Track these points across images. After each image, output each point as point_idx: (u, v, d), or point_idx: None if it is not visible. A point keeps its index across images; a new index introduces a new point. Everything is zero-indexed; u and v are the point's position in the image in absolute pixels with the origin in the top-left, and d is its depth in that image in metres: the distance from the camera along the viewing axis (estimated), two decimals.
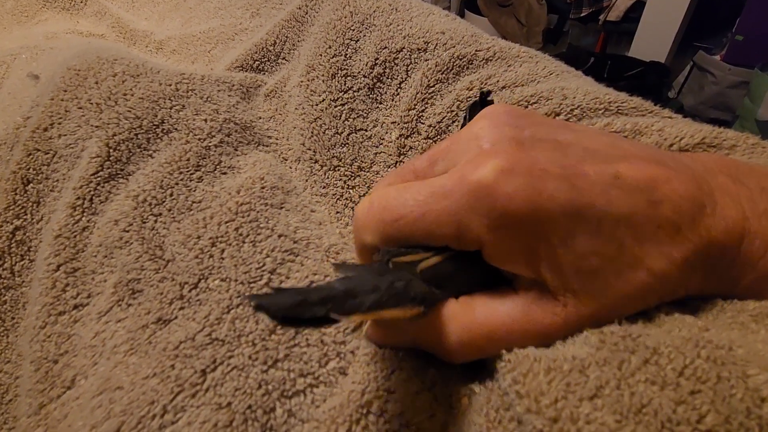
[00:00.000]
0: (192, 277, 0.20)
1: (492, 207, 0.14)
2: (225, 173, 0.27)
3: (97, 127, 0.27)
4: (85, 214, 0.24)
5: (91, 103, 0.28)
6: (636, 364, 0.13)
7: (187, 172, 0.25)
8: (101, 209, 0.24)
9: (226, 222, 0.22)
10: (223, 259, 0.21)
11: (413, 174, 0.18)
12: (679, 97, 1.44)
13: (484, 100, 0.24)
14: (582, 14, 1.56)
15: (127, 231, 0.22)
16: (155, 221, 0.23)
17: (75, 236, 0.23)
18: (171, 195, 0.24)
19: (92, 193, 0.24)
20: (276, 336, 0.18)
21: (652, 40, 1.36)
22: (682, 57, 1.42)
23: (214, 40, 0.49)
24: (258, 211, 0.24)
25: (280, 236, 0.23)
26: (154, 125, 0.28)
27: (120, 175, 0.25)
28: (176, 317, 0.19)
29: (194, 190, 0.24)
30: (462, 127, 0.27)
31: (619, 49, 1.50)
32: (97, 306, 0.20)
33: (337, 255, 0.25)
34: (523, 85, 0.31)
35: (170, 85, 0.31)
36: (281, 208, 0.26)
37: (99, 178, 0.25)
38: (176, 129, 0.28)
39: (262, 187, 0.26)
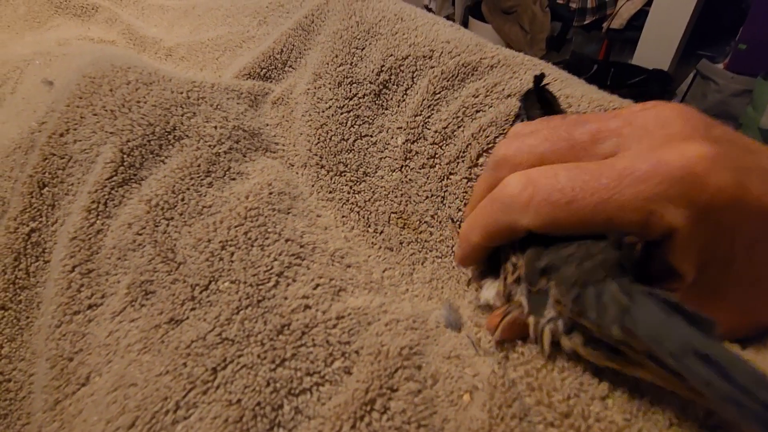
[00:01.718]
0: (203, 279, 0.21)
1: (698, 197, 0.13)
2: (234, 179, 0.27)
3: (111, 133, 0.28)
4: (99, 217, 0.25)
5: (106, 110, 0.29)
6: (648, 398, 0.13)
7: (198, 177, 0.26)
8: (115, 213, 0.25)
9: (236, 226, 0.23)
10: (232, 262, 0.21)
11: (568, 145, 0.17)
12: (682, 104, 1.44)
13: (539, 87, 0.24)
14: (585, 22, 1.57)
15: (140, 234, 0.23)
16: (167, 225, 0.23)
17: (90, 239, 0.24)
18: (182, 200, 0.25)
19: (106, 197, 0.25)
20: (283, 336, 0.19)
21: (656, 48, 1.37)
22: (685, 65, 1.42)
23: (222, 47, 0.50)
24: (266, 216, 0.24)
25: (287, 240, 0.24)
26: (166, 132, 0.29)
27: (133, 180, 0.26)
28: (188, 317, 0.19)
29: (205, 195, 0.25)
30: (518, 118, 0.28)
31: (623, 56, 1.50)
32: (111, 306, 0.21)
33: (342, 259, 0.26)
34: None
35: (182, 93, 0.32)
36: (288, 213, 0.26)
37: (113, 183, 0.26)
38: (187, 136, 0.29)
39: (270, 193, 0.27)
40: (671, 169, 0.14)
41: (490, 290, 0.20)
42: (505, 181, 0.17)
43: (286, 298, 0.20)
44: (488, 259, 0.21)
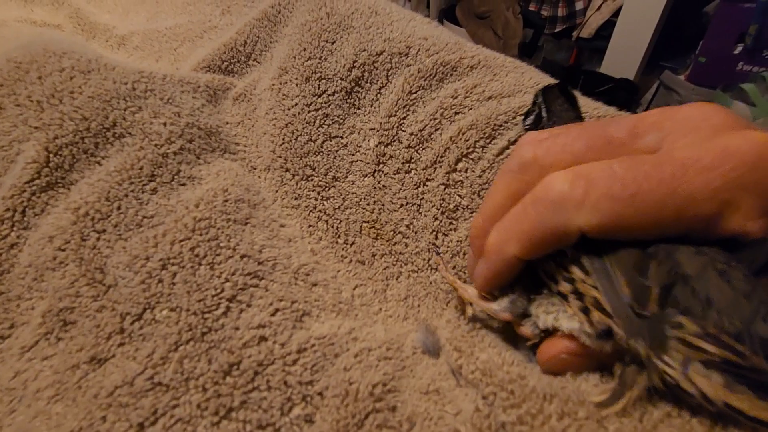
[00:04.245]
0: (136, 307, 0.17)
1: None
2: (184, 184, 0.24)
3: (36, 128, 0.24)
4: (14, 228, 0.21)
5: (32, 101, 0.25)
6: (658, 416, 0.11)
7: (140, 182, 0.22)
8: (35, 223, 0.21)
9: (181, 240, 0.20)
10: (174, 284, 0.18)
11: (604, 141, 0.15)
12: None
13: (563, 86, 0.23)
14: (556, 30, 1.60)
15: (63, 249, 0.19)
16: (97, 239, 0.20)
17: (0, 254, 0.20)
18: (118, 208, 0.21)
19: (25, 204, 0.21)
20: (231, 378, 0.15)
21: (622, 58, 1.41)
22: (649, 75, 1.47)
23: (180, 37, 0.45)
24: (218, 228, 0.21)
25: (242, 257, 0.20)
26: (105, 128, 0.25)
27: (60, 184, 0.22)
28: (114, 355, 0.16)
29: (146, 204, 0.22)
30: (530, 114, 0.26)
31: (591, 64, 1.54)
32: (21, 339, 0.17)
33: (307, 276, 0.23)
34: (510, 96, 0.30)
35: (126, 83, 0.28)
36: (246, 224, 0.23)
37: (35, 187, 0.22)
38: (130, 133, 0.25)
39: (225, 201, 0.23)
40: (743, 155, 0.13)
41: (542, 314, 0.17)
42: (546, 181, 0.15)
43: (237, 329, 0.17)
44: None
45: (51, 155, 0.23)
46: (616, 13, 1.39)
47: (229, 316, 0.18)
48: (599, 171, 0.14)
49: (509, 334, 0.20)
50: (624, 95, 1.42)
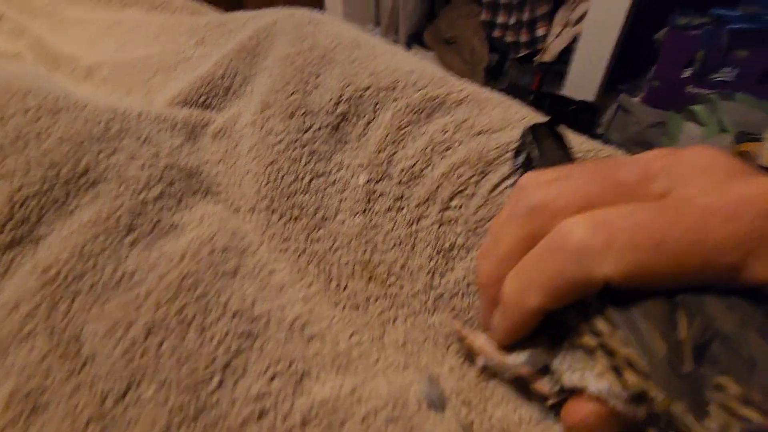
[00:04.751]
0: (118, 383, 0.15)
1: None
2: (166, 234, 0.22)
3: None
4: None
5: None
6: None
7: (118, 234, 0.21)
8: None
9: (167, 302, 0.18)
10: (161, 355, 0.16)
11: (615, 184, 0.15)
12: (607, 133, 1.57)
13: (551, 125, 0.23)
14: (520, 55, 1.67)
15: (32, 318, 0.17)
16: (71, 303, 0.18)
17: None
18: (94, 266, 0.19)
19: None
20: None
21: (582, 81, 1.49)
22: (608, 97, 1.55)
23: (153, 68, 0.44)
24: (207, 283, 0.20)
25: (234, 315, 0.19)
26: (76, 174, 0.23)
27: (26, 240, 0.20)
28: None
29: (126, 259, 0.20)
30: (520, 153, 0.25)
31: (554, 87, 1.61)
32: None
33: (302, 330, 0.22)
34: (499, 131, 0.30)
35: (99, 123, 0.26)
36: (235, 275, 0.22)
37: None
38: (105, 179, 0.23)
39: (212, 251, 0.22)
40: (762, 204, 0.13)
41: (567, 371, 0.16)
42: (563, 228, 0.15)
43: (233, 403, 0.15)
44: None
45: (16, 207, 0.21)
46: (576, 39, 1.47)
47: (224, 388, 0.16)
48: (621, 218, 0.14)
49: (520, 384, 0.20)
50: (587, 117, 1.50)
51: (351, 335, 0.25)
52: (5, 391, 0.16)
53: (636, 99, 1.50)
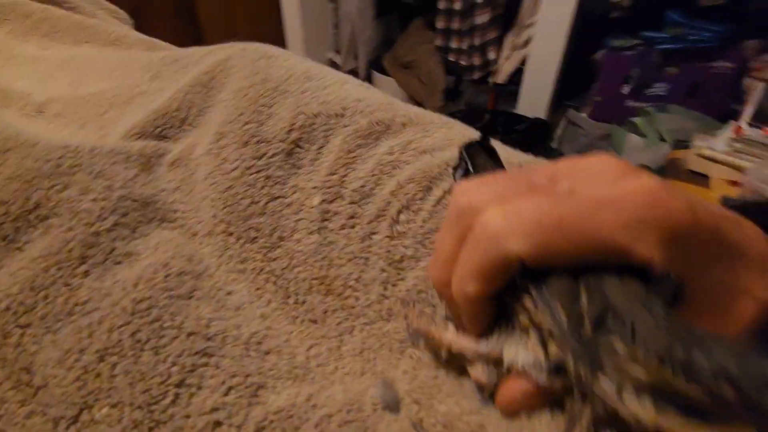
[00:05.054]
0: (71, 408, 0.16)
1: (665, 219, 0.15)
2: (119, 263, 0.23)
3: None
4: None
5: None
6: None
7: (69, 266, 0.21)
8: None
9: (119, 327, 0.19)
10: (114, 377, 0.17)
11: (530, 187, 0.17)
12: (560, 147, 1.66)
13: (483, 141, 0.26)
14: (474, 76, 1.75)
15: None
16: (21, 335, 0.18)
17: None
18: (45, 298, 0.19)
19: None
20: None
21: (533, 100, 1.59)
22: (558, 114, 1.65)
23: (107, 102, 0.44)
24: (162, 308, 0.20)
25: (189, 335, 0.20)
26: (26, 211, 0.23)
27: None
28: None
29: (77, 289, 0.20)
30: (458, 169, 0.28)
31: (508, 106, 1.70)
32: None
33: (259, 345, 0.23)
34: (442, 150, 0.32)
35: (50, 160, 0.27)
36: (190, 297, 0.22)
37: None
38: (56, 214, 0.24)
39: (167, 276, 0.23)
40: (638, 196, 0.15)
41: (506, 349, 0.18)
42: (482, 219, 0.17)
43: (188, 417, 0.16)
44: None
45: None
46: (524, 62, 1.57)
47: (179, 403, 0.17)
48: (528, 207, 0.16)
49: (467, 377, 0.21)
50: (539, 132, 1.59)
51: (309, 347, 0.26)
52: None
53: (583, 114, 1.60)
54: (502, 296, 0.18)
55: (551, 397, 0.17)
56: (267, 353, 0.22)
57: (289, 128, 0.34)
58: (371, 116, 0.34)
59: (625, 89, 1.46)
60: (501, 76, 1.69)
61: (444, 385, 0.22)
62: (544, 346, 0.16)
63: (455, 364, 0.22)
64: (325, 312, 0.28)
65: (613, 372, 0.14)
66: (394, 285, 0.28)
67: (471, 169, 0.27)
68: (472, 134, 0.35)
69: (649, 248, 0.15)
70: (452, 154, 0.33)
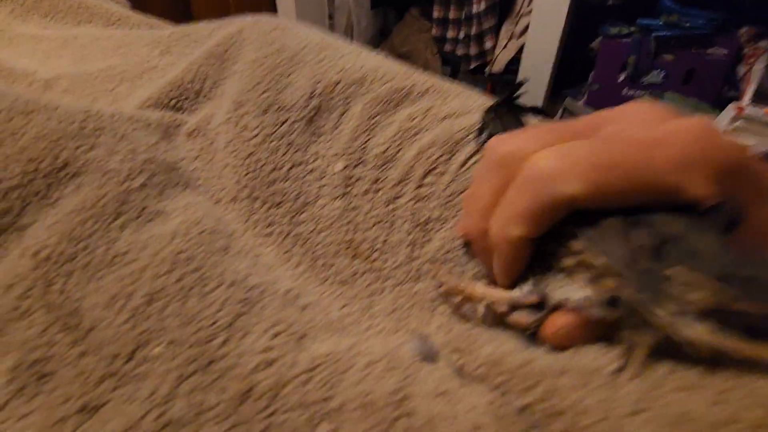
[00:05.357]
0: (125, 347, 0.16)
1: (715, 156, 0.15)
2: (152, 220, 0.23)
3: None
4: None
5: None
6: (663, 372, 0.12)
7: (105, 220, 0.21)
8: None
9: (164, 274, 0.19)
10: (164, 319, 0.17)
11: (571, 134, 0.18)
12: None
13: (510, 99, 0.26)
14: (471, 66, 1.75)
15: (26, 297, 0.17)
16: (65, 282, 0.18)
17: None
18: (85, 248, 0.19)
19: None
20: (248, 405, 0.15)
21: (530, 88, 1.58)
22: (555, 102, 1.66)
23: (117, 78, 0.44)
24: (200, 259, 0.20)
25: (230, 285, 0.20)
26: (55, 169, 0.23)
27: (11, 230, 0.20)
28: (109, 401, 0.14)
29: (116, 241, 0.20)
30: (483, 131, 0.28)
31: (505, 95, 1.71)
32: None
33: (296, 299, 0.23)
34: (462, 116, 0.32)
35: (73, 123, 0.26)
36: (226, 253, 0.22)
37: None
38: (85, 172, 0.23)
39: (201, 232, 0.22)
40: (687, 134, 0.15)
41: (550, 291, 0.18)
42: (532, 161, 0.17)
43: (242, 356, 0.16)
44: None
45: None
46: (521, 50, 1.57)
47: (231, 344, 0.17)
48: (580, 148, 0.16)
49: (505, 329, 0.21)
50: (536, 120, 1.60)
51: (342, 307, 0.26)
52: (6, 365, 0.15)
53: (580, 102, 1.61)
54: (537, 243, 0.18)
55: (599, 332, 0.17)
56: (304, 308, 0.22)
57: (308, 96, 0.34)
58: (390, 84, 0.34)
59: (622, 77, 1.47)
60: (498, 65, 1.69)
61: (481, 335, 0.22)
62: (595, 284, 0.16)
63: (490, 317, 0.23)
64: (354, 274, 0.28)
65: (673, 299, 0.14)
66: (421, 247, 0.28)
67: (498, 129, 0.27)
68: (489, 100, 0.35)
69: (700, 185, 0.15)
70: (472, 120, 0.33)
